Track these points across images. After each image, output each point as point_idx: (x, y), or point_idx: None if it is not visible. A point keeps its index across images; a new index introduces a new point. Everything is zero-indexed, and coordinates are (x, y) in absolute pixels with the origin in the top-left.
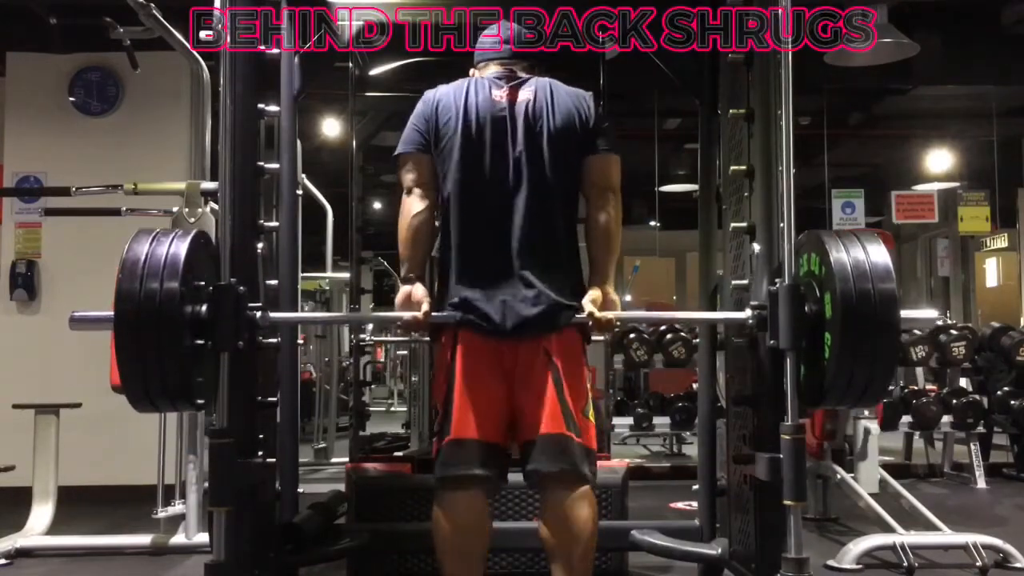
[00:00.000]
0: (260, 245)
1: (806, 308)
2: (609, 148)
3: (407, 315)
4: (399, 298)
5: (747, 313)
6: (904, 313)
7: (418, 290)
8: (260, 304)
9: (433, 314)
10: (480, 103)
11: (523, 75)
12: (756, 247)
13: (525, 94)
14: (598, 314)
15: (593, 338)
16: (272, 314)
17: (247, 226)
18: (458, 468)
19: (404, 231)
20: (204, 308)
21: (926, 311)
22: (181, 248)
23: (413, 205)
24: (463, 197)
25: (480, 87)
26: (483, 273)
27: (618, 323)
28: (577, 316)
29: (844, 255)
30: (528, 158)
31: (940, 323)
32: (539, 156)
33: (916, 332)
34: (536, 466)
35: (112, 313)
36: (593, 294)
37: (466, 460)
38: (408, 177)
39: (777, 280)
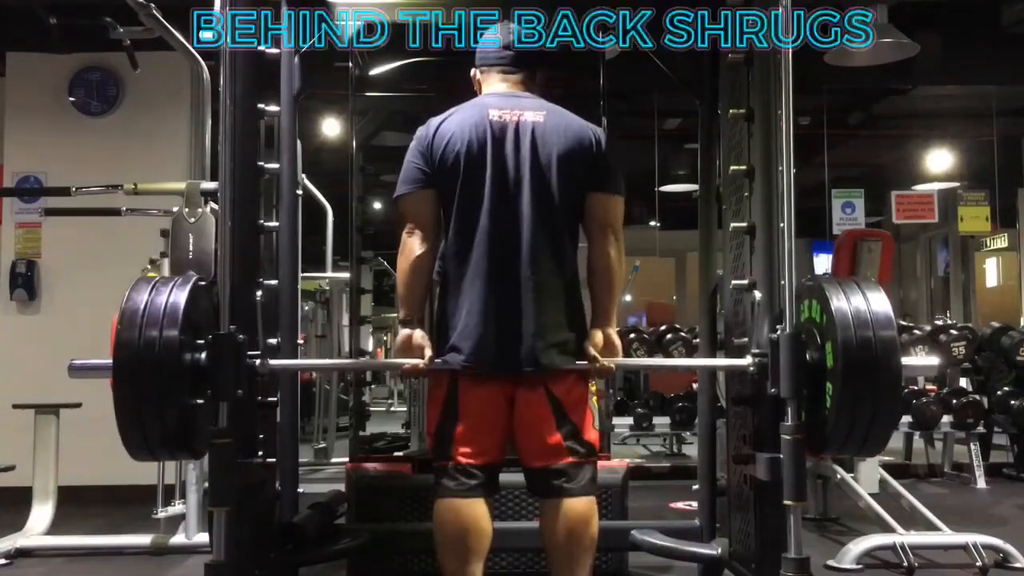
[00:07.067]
0: (259, 293)
1: (807, 356)
2: (614, 190)
3: (407, 363)
4: (398, 343)
5: (748, 360)
6: (906, 361)
7: (418, 335)
8: (259, 352)
9: (436, 360)
10: (481, 127)
11: (525, 95)
12: (757, 294)
13: (532, 116)
14: (600, 362)
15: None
16: (271, 361)
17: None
18: (458, 486)
19: (404, 272)
20: (203, 356)
21: (928, 359)
22: (180, 297)
23: (415, 246)
24: (466, 223)
25: (481, 110)
26: (485, 303)
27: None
28: (578, 363)
29: (845, 303)
30: (533, 184)
31: (940, 323)
32: (544, 182)
33: (916, 332)
34: (538, 492)
35: (111, 361)
36: (596, 338)
37: (466, 483)
38: (410, 218)
39: (778, 327)
